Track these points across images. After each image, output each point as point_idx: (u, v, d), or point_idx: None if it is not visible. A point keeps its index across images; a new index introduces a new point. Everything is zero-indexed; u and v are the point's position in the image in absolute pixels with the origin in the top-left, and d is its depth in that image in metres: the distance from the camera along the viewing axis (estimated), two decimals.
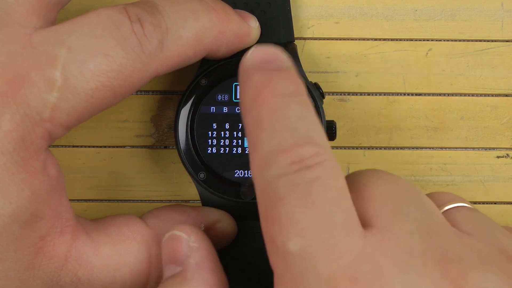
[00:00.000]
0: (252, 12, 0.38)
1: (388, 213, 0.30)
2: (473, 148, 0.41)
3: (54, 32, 0.32)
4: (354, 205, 0.30)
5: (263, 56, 0.31)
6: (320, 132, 0.30)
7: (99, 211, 0.41)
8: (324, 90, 0.39)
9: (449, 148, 0.41)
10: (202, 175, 0.38)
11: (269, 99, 0.30)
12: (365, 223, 0.30)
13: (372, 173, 0.32)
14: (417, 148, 0.41)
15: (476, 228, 0.31)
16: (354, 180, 0.31)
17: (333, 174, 0.29)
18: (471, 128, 0.41)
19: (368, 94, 0.41)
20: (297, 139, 0.29)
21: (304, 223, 0.28)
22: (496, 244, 0.30)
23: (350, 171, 0.41)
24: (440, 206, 0.33)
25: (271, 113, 0.30)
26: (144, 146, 0.41)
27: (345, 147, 0.41)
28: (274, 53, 0.31)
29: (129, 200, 0.41)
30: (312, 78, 0.40)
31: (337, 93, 0.41)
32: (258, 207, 0.30)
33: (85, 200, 0.41)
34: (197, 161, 0.38)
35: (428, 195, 0.33)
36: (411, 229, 0.29)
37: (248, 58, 0.31)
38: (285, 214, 0.28)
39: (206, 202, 0.38)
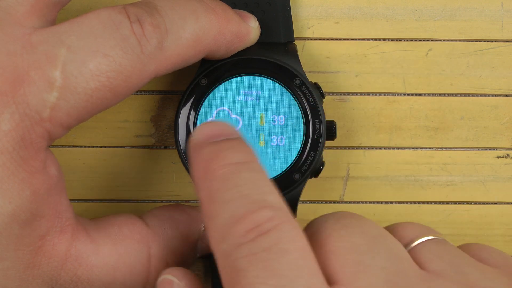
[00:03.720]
0: (252, 12, 0.38)
1: (353, 267, 0.29)
2: (473, 148, 0.41)
3: (54, 32, 0.32)
4: (318, 260, 0.29)
5: (209, 131, 0.31)
6: (273, 194, 0.29)
7: (99, 211, 0.41)
8: (324, 90, 0.39)
9: (449, 148, 0.41)
10: None
11: (218, 171, 0.30)
12: (330, 280, 0.29)
13: (333, 221, 0.31)
14: (417, 148, 0.41)
15: (444, 264, 0.30)
16: (316, 232, 0.31)
17: (291, 236, 0.28)
18: (471, 128, 0.41)
19: (368, 94, 0.41)
20: (250, 205, 0.29)
21: None
22: (465, 281, 0.30)
23: (350, 171, 0.41)
24: (406, 244, 0.31)
25: (222, 184, 0.29)
26: (144, 146, 0.41)
27: (345, 147, 0.41)
28: (220, 126, 0.31)
29: (129, 200, 0.41)
30: (312, 78, 0.40)
31: (337, 93, 0.41)
32: (222, 281, 0.29)
33: (85, 200, 0.41)
34: None
35: (393, 228, 0.32)
36: (378, 282, 0.28)
37: (195, 135, 0.31)
38: (247, 286, 0.28)
39: None
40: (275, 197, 0.29)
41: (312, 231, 0.31)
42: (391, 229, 0.32)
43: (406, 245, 0.31)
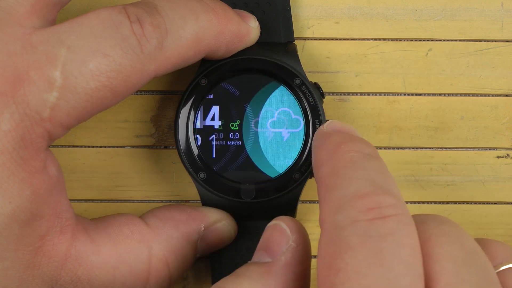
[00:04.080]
0: (252, 12, 0.38)
1: (449, 277, 0.28)
2: (473, 148, 0.41)
3: (54, 32, 0.32)
4: None
5: (340, 126, 0.32)
6: (397, 189, 0.29)
7: (99, 211, 0.41)
8: (324, 90, 0.39)
9: (449, 148, 0.41)
10: (202, 175, 0.38)
11: (347, 153, 0.30)
12: (425, 282, 0.29)
13: (434, 225, 0.30)
14: (417, 148, 0.41)
15: None
16: (418, 229, 0.30)
17: (408, 230, 0.28)
18: (471, 128, 0.41)
19: (368, 94, 0.41)
20: (376, 188, 0.29)
21: (371, 280, 0.27)
22: None
23: None
24: (495, 264, 0.31)
25: (350, 163, 0.30)
26: (144, 146, 0.41)
27: None
28: (350, 126, 0.33)
29: (129, 200, 0.41)
30: (312, 78, 0.40)
31: (337, 93, 0.41)
32: (319, 251, 0.29)
33: (85, 200, 0.41)
34: (197, 161, 0.38)
35: (485, 244, 0.32)
36: None
37: (327, 125, 0.33)
38: (353, 266, 0.27)
39: (206, 202, 0.38)
40: (397, 190, 0.29)
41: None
42: (483, 244, 0.32)
43: (495, 266, 0.31)
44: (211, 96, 0.38)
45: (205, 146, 0.38)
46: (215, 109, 0.38)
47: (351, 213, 0.28)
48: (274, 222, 0.32)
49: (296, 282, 0.31)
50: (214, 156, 0.38)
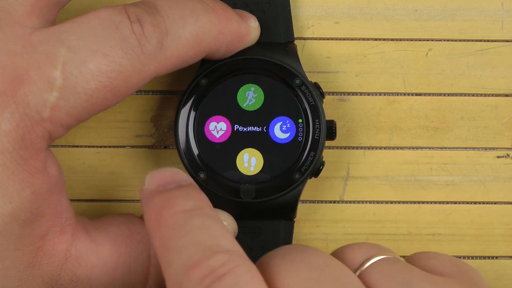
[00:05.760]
0: (252, 12, 0.38)
1: None
2: (473, 148, 0.41)
3: (54, 32, 0.32)
4: None
5: (160, 179, 0.31)
6: (227, 238, 0.29)
7: (99, 211, 0.41)
8: (324, 90, 0.39)
9: (449, 148, 0.41)
10: (202, 175, 0.38)
11: (169, 219, 0.30)
12: None
13: (279, 258, 0.30)
14: (417, 148, 0.41)
15: (394, 283, 0.30)
16: (265, 271, 0.30)
17: (247, 278, 0.28)
18: (471, 128, 0.41)
19: (368, 94, 0.41)
20: (204, 252, 0.28)
21: None
22: None
23: (350, 171, 0.41)
24: (356, 268, 0.31)
25: (174, 231, 0.29)
26: (144, 146, 0.41)
27: (345, 147, 0.41)
28: (171, 173, 0.31)
29: (129, 200, 0.41)
30: (312, 78, 0.40)
31: (337, 93, 0.41)
32: None
33: (85, 200, 0.41)
34: (197, 161, 0.38)
35: (341, 252, 0.32)
36: None
37: (146, 184, 0.31)
38: None
39: None
40: (228, 241, 0.29)
41: (261, 270, 0.30)
42: (339, 253, 0.32)
43: (356, 270, 0.31)
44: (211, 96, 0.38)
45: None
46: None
47: (189, 287, 0.28)
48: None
49: None
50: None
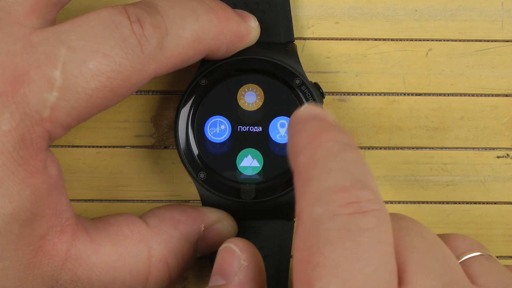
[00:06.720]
0: (252, 12, 0.38)
1: (414, 266, 0.29)
2: (473, 148, 0.41)
3: (54, 32, 0.32)
4: None
5: (317, 112, 0.31)
6: (375, 183, 0.29)
7: (99, 211, 0.41)
8: (324, 90, 0.39)
9: (449, 148, 0.41)
10: (202, 175, 0.38)
11: (326, 143, 0.29)
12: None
13: (396, 220, 0.30)
14: (417, 148, 0.41)
15: (493, 280, 0.30)
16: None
17: (386, 227, 0.28)
18: (471, 128, 0.41)
19: (368, 94, 0.41)
20: (355, 181, 0.28)
21: (349, 275, 0.27)
22: None
23: None
24: (458, 255, 0.32)
25: (328, 154, 0.29)
26: (144, 146, 0.41)
27: None
28: (326, 112, 0.31)
29: (129, 200, 0.41)
30: (312, 78, 0.40)
31: (337, 93, 0.41)
32: (296, 244, 0.28)
33: (85, 200, 0.41)
34: (197, 161, 0.38)
35: (446, 237, 0.32)
36: (436, 286, 0.28)
37: (303, 110, 0.31)
38: (331, 260, 0.27)
39: (206, 202, 0.38)
40: (375, 184, 0.29)
41: None
42: (443, 238, 0.32)
43: (457, 257, 0.31)
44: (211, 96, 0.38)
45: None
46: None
47: (330, 206, 0.28)
48: (224, 245, 0.33)
49: None
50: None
